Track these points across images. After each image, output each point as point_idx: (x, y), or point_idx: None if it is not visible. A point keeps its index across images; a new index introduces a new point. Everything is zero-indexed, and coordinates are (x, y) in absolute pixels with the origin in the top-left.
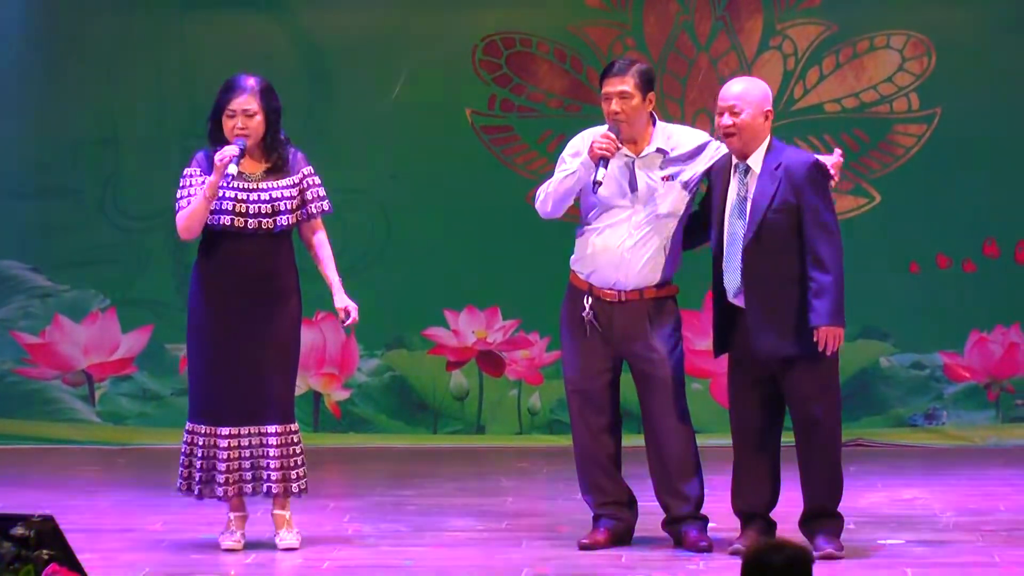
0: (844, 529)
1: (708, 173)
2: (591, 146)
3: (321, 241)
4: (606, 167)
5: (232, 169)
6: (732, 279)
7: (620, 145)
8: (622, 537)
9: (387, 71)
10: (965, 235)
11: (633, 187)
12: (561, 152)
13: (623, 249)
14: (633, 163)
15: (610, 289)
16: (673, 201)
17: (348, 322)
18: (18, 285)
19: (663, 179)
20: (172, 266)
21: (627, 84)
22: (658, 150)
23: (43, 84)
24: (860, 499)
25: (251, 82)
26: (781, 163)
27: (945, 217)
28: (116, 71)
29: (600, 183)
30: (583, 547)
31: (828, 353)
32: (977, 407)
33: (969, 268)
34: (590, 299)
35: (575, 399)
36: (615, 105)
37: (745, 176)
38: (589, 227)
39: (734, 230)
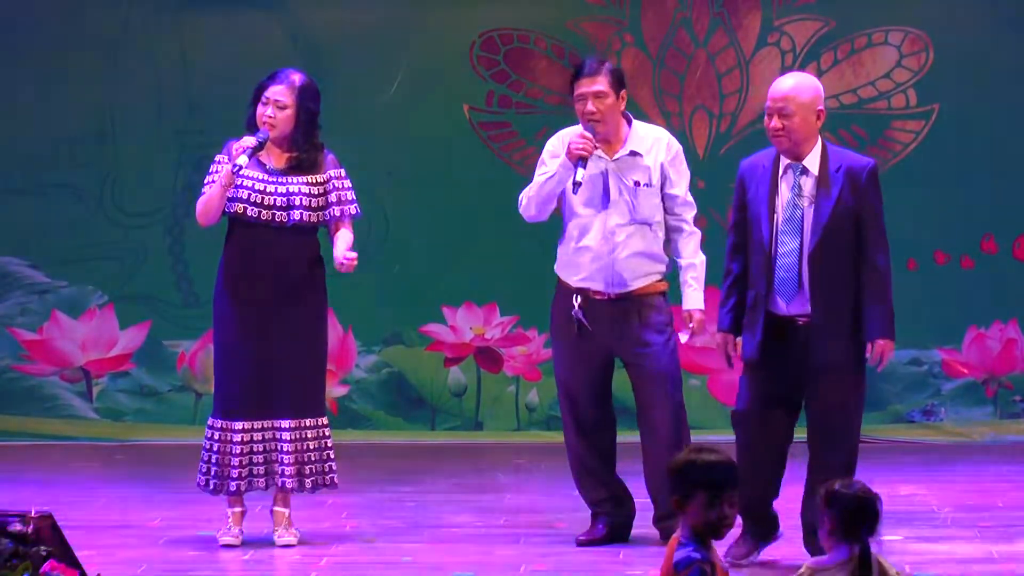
0: None
1: (742, 174)
2: (569, 147)
3: (341, 234)
4: (584, 167)
5: (242, 160)
6: (787, 287)
7: (597, 145)
8: (619, 533)
9: (384, 67)
10: (963, 231)
11: (606, 193)
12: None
13: (604, 254)
14: (606, 167)
15: (600, 291)
16: (647, 206)
17: (346, 261)
18: (16, 281)
19: (635, 183)
20: (170, 262)
21: (600, 83)
22: (632, 153)
23: (41, 80)
24: None
25: (295, 77)
26: (842, 166)
27: (943, 213)
28: (114, 68)
29: (580, 184)
30: (581, 543)
31: (880, 367)
32: (975, 403)
33: (967, 264)
34: (579, 298)
35: (567, 400)
36: (591, 105)
37: (800, 177)
38: (568, 234)
39: (787, 235)
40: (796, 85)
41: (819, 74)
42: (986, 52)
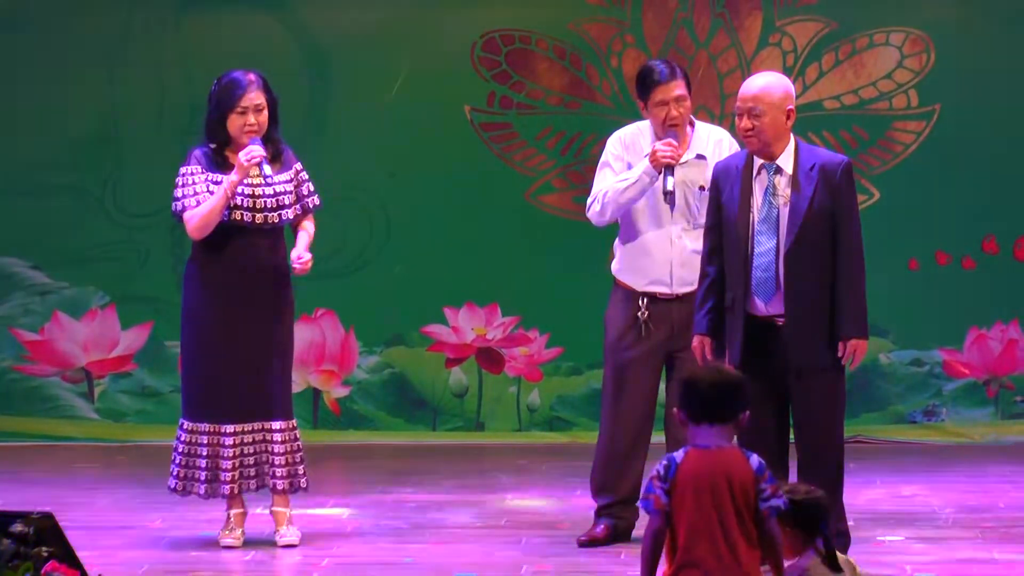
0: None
1: (715, 177)
2: (654, 155)
3: (306, 226)
4: (672, 174)
5: (268, 169)
6: (765, 287)
7: (681, 151)
8: (621, 534)
9: (386, 68)
10: (964, 232)
11: (672, 199)
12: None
13: (669, 258)
14: (672, 172)
15: (666, 292)
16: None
17: (299, 264)
18: (18, 282)
19: (700, 188)
20: (171, 263)
21: (680, 88)
22: (698, 156)
23: (43, 81)
24: (859, 496)
25: (252, 76)
26: (816, 164)
27: (944, 214)
28: (116, 69)
29: (672, 192)
30: (582, 544)
31: (853, 366)
32: (976, 404)
33: (968, 265)
34: (645, 300)
35: (619, 402)
36: (675, 110)
37: (774, 177)
38: (630, 239)
39: (763, 235)
40: (765, 85)
41: (820, 75)
42: (987, 53)
